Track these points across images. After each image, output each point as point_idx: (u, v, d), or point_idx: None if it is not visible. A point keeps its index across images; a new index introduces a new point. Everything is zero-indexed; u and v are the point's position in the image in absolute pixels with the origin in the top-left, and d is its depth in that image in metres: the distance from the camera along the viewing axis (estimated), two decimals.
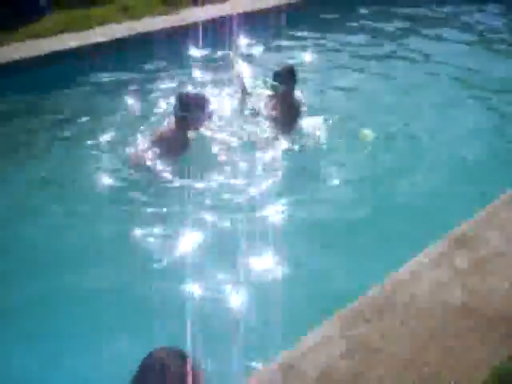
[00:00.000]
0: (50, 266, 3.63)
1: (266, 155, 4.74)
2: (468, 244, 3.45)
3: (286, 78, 5.11)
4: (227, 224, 3.99)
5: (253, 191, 4.29)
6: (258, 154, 4.73)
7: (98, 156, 4.74)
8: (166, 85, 6.19)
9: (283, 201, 4.23)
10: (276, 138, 4.93)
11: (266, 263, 3.63)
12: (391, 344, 2.77)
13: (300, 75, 5.37)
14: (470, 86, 6.39)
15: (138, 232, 3.90)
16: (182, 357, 1.83)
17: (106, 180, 4.43)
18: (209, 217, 4.05)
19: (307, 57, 7.16)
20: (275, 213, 4.12)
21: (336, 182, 4.50)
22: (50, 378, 2.92)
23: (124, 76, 6.49)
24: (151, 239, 3.88)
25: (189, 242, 3.84)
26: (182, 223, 3.99)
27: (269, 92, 5.25)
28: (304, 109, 5.27)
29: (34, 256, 3.73)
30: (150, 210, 4.09)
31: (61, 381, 2.92)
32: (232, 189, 4.30)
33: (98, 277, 3.50)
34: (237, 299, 3.35)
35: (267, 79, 5.26)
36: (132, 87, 6.14)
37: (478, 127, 5.43)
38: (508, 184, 4.13)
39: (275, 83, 5.11)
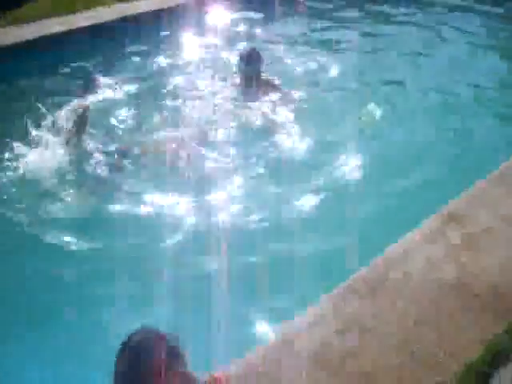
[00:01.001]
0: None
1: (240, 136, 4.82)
2: (460, 221, 3.45)
3: (251, 59, 5.22)
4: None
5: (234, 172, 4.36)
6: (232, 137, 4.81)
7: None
8: (158, 68, 6.17)
9: (271, 180, 4.27)
10: (247, 118, 5.02)
11: (257, 239, 3.66)
12: (385, 322, 2.76)
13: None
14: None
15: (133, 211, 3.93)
16: (160, 339, 1.79)
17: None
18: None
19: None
20: (267, 188, 4.16)
21: (324, 159, 4.52)
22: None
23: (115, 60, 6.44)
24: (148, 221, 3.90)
25: (180, 218, 3.89)
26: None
27: (237, 75, 5.42)
28: (276, 89, 5.33)
29: None
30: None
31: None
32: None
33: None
34: (229, 277, 3.35)
35: (237, 63, 5.42)
36: (122, 71, 6.09)
37: (477, 104, 5.44)
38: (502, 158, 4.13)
39: (242, 65, 5.25)
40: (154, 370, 1.69)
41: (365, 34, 7.31)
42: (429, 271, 3.07)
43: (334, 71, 6.11)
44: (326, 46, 6.86)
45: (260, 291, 3.19)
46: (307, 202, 4.07)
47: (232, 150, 4.65)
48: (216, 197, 4.15)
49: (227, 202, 4.10)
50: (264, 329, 2.92)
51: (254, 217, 3.90)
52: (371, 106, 4.99)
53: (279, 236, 3.72)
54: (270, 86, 5.33)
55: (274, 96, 5.25)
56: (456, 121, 5.20)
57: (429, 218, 3.49)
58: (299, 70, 6.08)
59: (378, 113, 4.97)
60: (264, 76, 5.36)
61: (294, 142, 4.74)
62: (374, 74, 6.15)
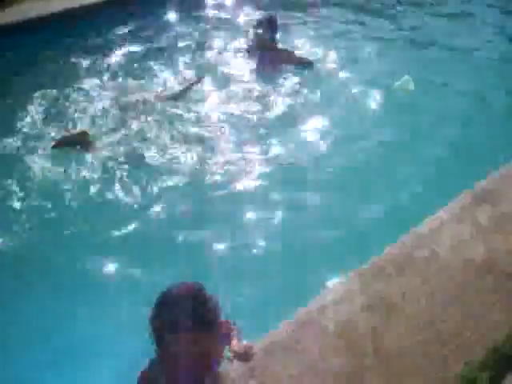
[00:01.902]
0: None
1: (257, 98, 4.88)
2: (490, 200, 3.39)
3: (267, 25, 5.27)
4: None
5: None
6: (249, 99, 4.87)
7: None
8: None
9: (297, 154, 4.28)
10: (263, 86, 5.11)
11: (284, 216, 3.66)
12: (411, 301, 2.75)
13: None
14: None
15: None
16: (199, 289, 1.93)
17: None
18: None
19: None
20: (291, 161, 4.19)
21: (350, 129, 4.53)
22: None
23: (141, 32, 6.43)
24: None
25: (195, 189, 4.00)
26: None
27: (254, 41, 5.46)
28: (293, 56, 5.35)
29: None
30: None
31: None
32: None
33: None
34: (256, 252, 3.37)
35: (254, 30, 5.44)
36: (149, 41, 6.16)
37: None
38: None
39: (259, 31, 5.30)
40: (207, 312, 1.89)
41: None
42: (457, 250, 3.03)
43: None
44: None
45: (285, 268, 3.22)
46: (331, 175, 4.06)
47: (248, 119, 4.69)
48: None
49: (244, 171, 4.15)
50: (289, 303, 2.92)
51: (283, 184, 3.95)
52: (406, 77, 4.93)
53: (305, 211, 3.71)
54: (286, 53, 5.36)
55: (291, 63, 5.30)
56: (494, 96, 5.07)
57: (458, 195, 3.43)
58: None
59: (412, 83, 4.90)
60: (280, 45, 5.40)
61: (314, 110, 4.75)
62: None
